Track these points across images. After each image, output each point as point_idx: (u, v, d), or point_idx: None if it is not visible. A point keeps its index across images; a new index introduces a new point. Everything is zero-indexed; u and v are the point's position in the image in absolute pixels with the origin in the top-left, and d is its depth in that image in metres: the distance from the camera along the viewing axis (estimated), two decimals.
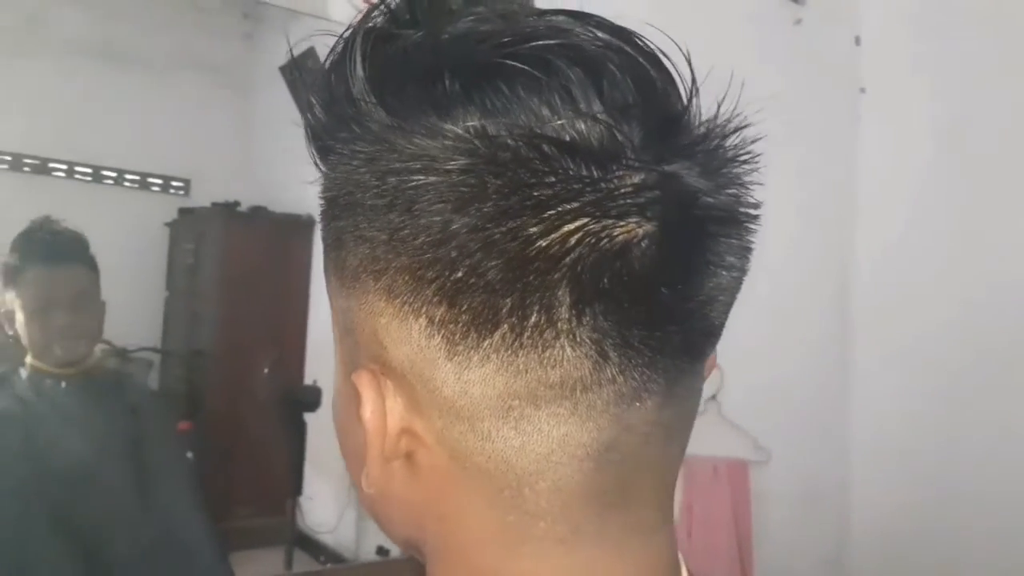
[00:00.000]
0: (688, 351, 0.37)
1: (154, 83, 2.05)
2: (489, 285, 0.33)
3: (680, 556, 0.44)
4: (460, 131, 0.34)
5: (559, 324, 0.33)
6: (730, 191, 0.36)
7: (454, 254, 0.34)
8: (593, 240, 0.33)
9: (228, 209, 2.08)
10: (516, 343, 0.34)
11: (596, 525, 0.37)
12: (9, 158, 1.89)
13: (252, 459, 1.95)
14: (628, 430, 0.36)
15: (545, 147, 0.33)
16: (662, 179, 0.34)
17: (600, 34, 0.35)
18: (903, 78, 1.94)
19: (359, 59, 0.36)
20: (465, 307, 0.34)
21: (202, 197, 2.13)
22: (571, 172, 0.33)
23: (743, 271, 0.38)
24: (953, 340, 1.79)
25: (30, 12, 1.89)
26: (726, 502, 1.66)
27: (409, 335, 0.36)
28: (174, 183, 2.14)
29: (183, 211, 2.13)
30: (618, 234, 0.33)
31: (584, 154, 0.33)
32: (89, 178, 2.01)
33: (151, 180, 2.11)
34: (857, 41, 1.98)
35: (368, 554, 1.78)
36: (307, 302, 1.88)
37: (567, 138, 0.33)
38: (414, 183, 0.34)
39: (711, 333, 0.38)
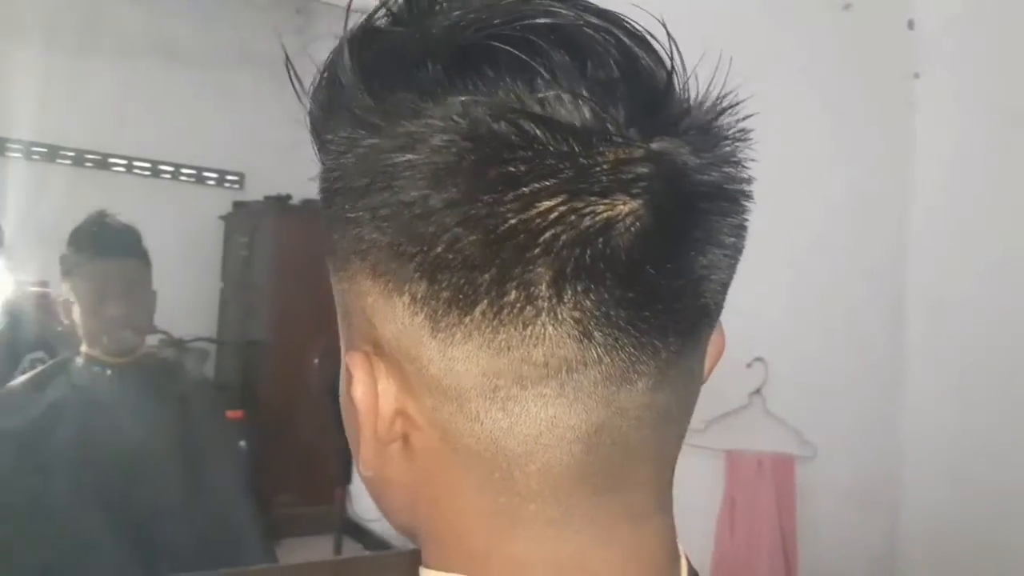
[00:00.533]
0: (680, 332, 0.36)
1: (210, 80, 2.11)
2: (467, 261, 0.33)
3: (681, 547, 0.43)
4: (441, 110, 0.34)
5: (538, 302, 0.33)
6: (721, 168, 0.36)
7: (432, 229, 0.33)
8: (573, 217, 0.33)
9: (280, 202, 2.12)
10: (496, 320, 0.34)
11: (587, 508, 0.37)
12: (72, 154, 1.96)
13: (303, 448, 1.99)
14: (619, 413, 0.36)
15: (524, 123, 0.33)
16: (647, 156, 0.34)
17: (586, 16, 0.35)
18: (958, 63, 1.88)
19: (350, 52, 0.37)
20: (445, 284, 0.34)
21: (257, 190, 2.18)
22: (550, 148, 0.33)
23: (737, 249, 0.38)
24: (1010, 334, 1.74)
25: (91, 13, 1.96)
26: (770, 497, 1.63)
27: (394, 313, 0.36)
28: (229, 177, 2.20)
29: (237, 204, 2.18)
30: (600, 212, 0.33)
31: (564, 130, 0.33)
32: (148, 173, 2.08)
33: (206, 174, 2.17)
34: (910, 25, 1.93)
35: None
36: None
37: (547, 114, 0.33)
38: (393, 161, 0.34)
39: (704, 313, 0.37)
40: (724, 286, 0.38)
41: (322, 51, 0.39)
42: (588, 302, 0.33)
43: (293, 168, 2.11)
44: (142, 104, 2.03)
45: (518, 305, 0.33)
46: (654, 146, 0.34)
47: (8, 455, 1.34)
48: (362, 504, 1.89)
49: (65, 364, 1.46)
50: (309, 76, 0.40)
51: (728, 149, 0.37)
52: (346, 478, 1.92)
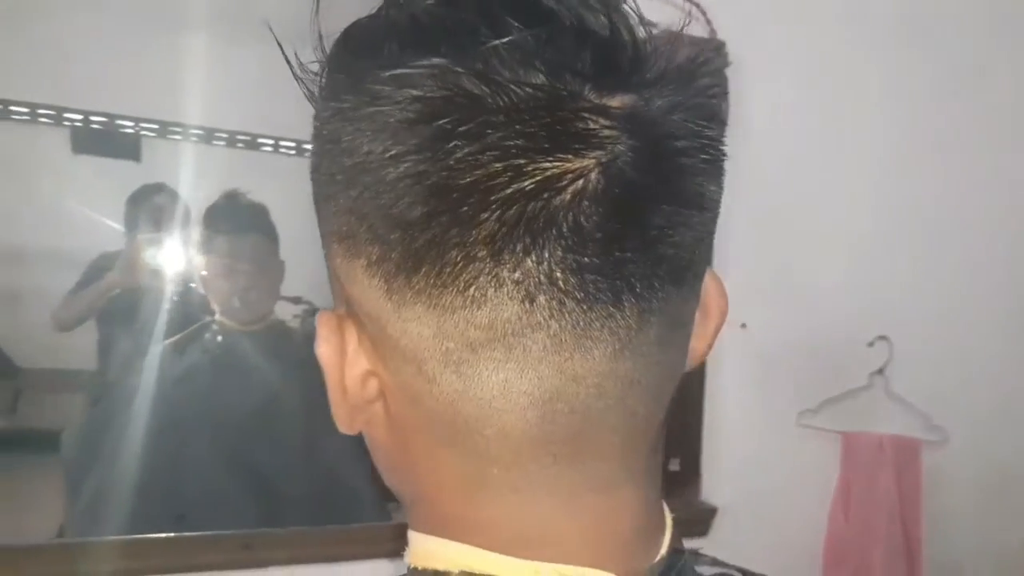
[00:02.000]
0: (639, 297, 0.35)
1: None
2: (409, 222, 0.33)
3: (669, 523, 0.43)
4: (390, 77, 0.34)
5: (477, 263, 0.33)
6: (682, 124, 0.35)
7: (376, 188, 0.34)
8: (510, 175, 0.32)
9: None
10: (438, 281, 0.34)
11: (549, 476, 0.37)
12: (226, 135, 2.11)
13: None
14: (575, 380, 0.35)
15: (466, 82, 0.33)
16: (594, 111, 0.33)
17: None
18: None
19: (340, 41, 0.38)
20: (393, 245, 0.34)
21: None
22: (492, 106, 0.32)
23: (703, 206, 0.36)
24: None
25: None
26: (890, 482, 1.55)
27: (356, 276, 0.37)
28: None
29: None
30: (543, 170, 0.32)
31: (506, 89, 0.32)
32: (293, 152, 2.20)
33: None
34: None
35: None
36: None
37: (489, 72, 0.33)
38: (344, 119, 0.36)
39: (668, 277, 0.36)
40: (691, 247, 0.36)
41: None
42: (529, 263, 0.33)
43: None
44: (288, 87, 2.15)
45: (458, 266, 0.33)
46: (604, 103, 0.33)
47: (152, 413, 1.49)
48: None
49: (201, 330, 1.60)
50: None
51: (693, 103, 0.35)
52: None
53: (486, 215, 0.32)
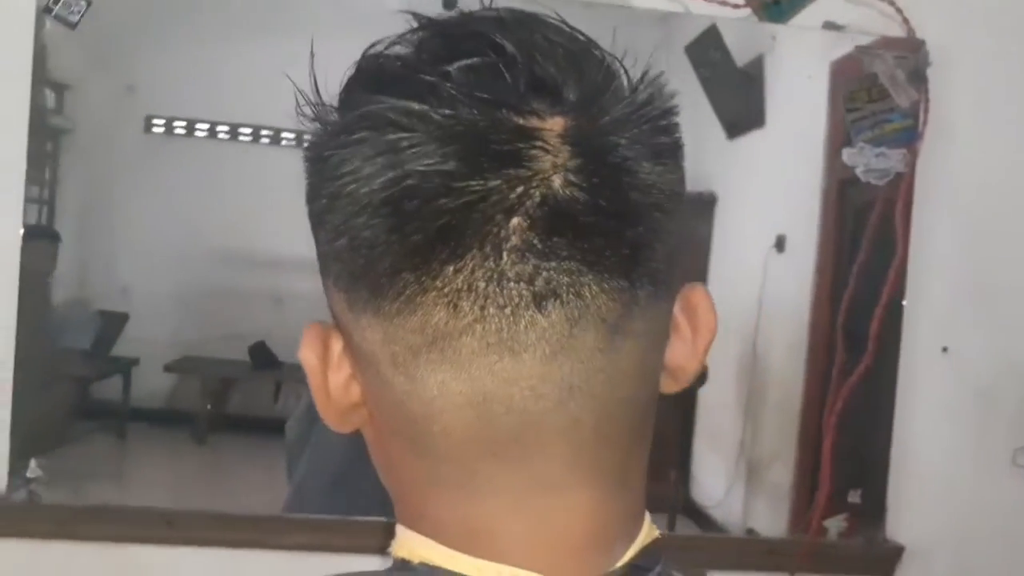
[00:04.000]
0: (565, 303, 0.36)
1: None
2: (354, 236, 0.37)
3: (643, 538, 0.43)
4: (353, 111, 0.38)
5: (407, 273, 0.36)
6: (618, 142, 0.37)
7: (322, 209, 0.39)
8: (440, 193, 0.35)
9: None
10: (378, 291, 0.37)
11: (493, 475, 0.39)
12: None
13: None
14: (508, 382, 0.37)
15: (404, 115, 0.36)
16: (522, 134, 0.36)
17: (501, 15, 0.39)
18: None
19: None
20: (345, 259, 0.39)
21: None
22: (427, 132, 0.35)
23: (639, 219, 0.38)
24: None
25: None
26: None
27: (330, 290, 0.41)
28: None
29: None
30: (475, 189, 0.35)
31: (437, 121, 0.35)
32: None
33: None
34: None
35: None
36: (705, 280, 1.88)
37: (429, 106, 0.36)
38: (312, 137, 0.40)
39: (600, 286, 0.37)
40: (630, 256, 0.38)
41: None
42: (450, 272, 0.36)
43: None
44: None
45: (392, 276, 0.37)
46: (534, 125, 0.36)
47: None
48: (703, 489, 1.89)
49: None
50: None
51: (635, 117, 0.38)
52: (682, 462, 1.93)
53: (412, 228, 0.36)
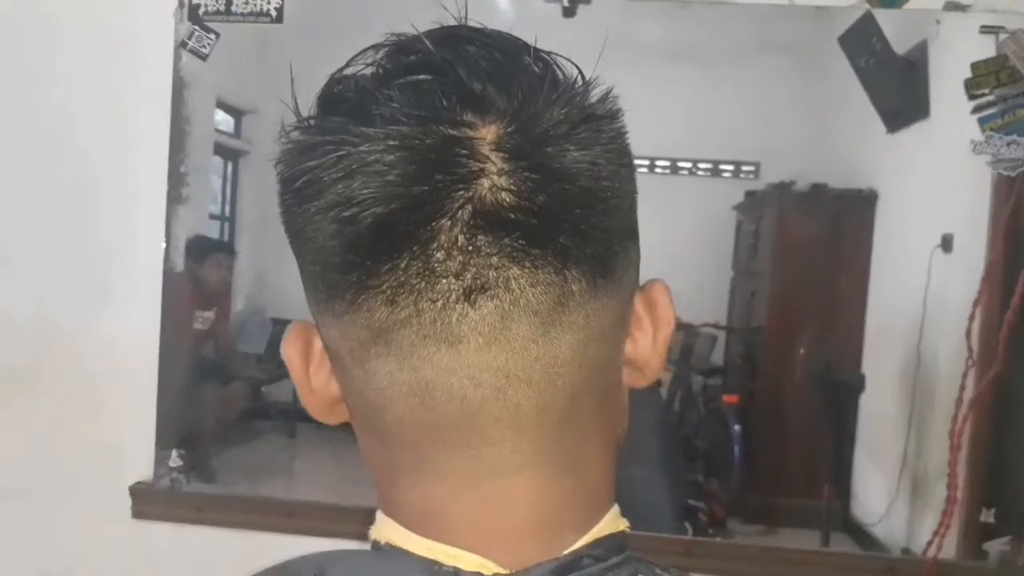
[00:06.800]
0: (493, 297, 0.39)
1: (725, 75, 2.19)
2: (311, 242, 0.41)
3: (602, 527, 0.44)
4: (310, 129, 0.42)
5: (352, 274, 0.40)
6: (555, 146, 0.39)
7: (286, 218, 0.43)
8: (381, 199, 0.38)
9: (783, 189, 2.12)
10: (330, 292, 0.41)
11: (442, 460, 0.42)
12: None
13: (791, 438, 1.97)
14: (447, 372, 0.40)
15: (352, 134, 0.39)
16: (458, 144, 0.38)
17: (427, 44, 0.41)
18: None
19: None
20: (307, 262, 0.43)
21: (773, 179, 2.21)
22: (372, 148, 0.38)
23: (580, 222, 0.40)
24: None
25: (616, 27, 2.19)
26: None
27: (307, 294, 0.45)
28: (744, 167, 2.26)
29: (748, 193, 2.24)
30: (414, 194, 0.38)
31: (381, 136, 0.38)
32: (667, 171, 2.25)
33: (722, 167, 2.26)
34: None
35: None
36: (866, 282, 1.79)
37: (376, 123, 0.39)
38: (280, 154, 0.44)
39: (529, 280, 0.39)
40: (563, 252, 0.39)
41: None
42: (385, 270, 0.39)
43: (808, 153, 2.09)
44: (661, 107, 2.21)
45: (341, 277, 0.40)
46: (470, 135, 0.38)
47: None
48: (863, 505, 1.81)
49: None
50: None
51: (574, 120, 0.40)
52: (835, 474, 1.85)
53: (354, 233, 0.39)
